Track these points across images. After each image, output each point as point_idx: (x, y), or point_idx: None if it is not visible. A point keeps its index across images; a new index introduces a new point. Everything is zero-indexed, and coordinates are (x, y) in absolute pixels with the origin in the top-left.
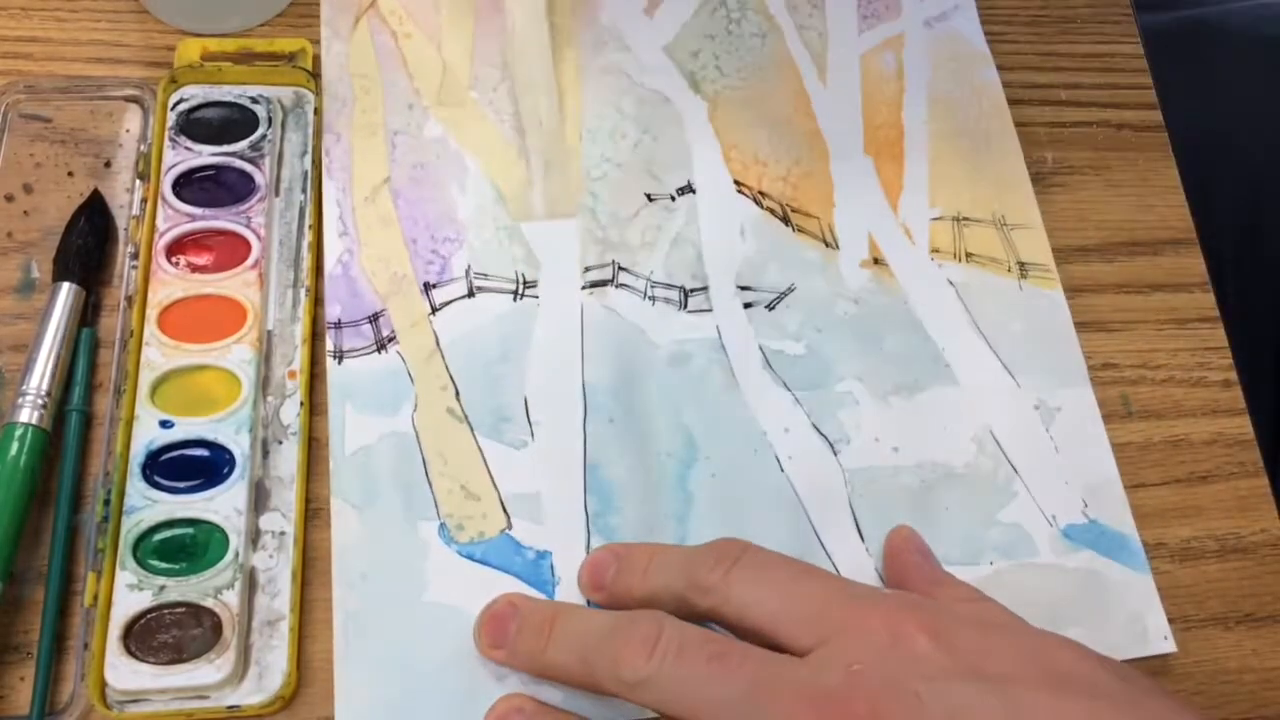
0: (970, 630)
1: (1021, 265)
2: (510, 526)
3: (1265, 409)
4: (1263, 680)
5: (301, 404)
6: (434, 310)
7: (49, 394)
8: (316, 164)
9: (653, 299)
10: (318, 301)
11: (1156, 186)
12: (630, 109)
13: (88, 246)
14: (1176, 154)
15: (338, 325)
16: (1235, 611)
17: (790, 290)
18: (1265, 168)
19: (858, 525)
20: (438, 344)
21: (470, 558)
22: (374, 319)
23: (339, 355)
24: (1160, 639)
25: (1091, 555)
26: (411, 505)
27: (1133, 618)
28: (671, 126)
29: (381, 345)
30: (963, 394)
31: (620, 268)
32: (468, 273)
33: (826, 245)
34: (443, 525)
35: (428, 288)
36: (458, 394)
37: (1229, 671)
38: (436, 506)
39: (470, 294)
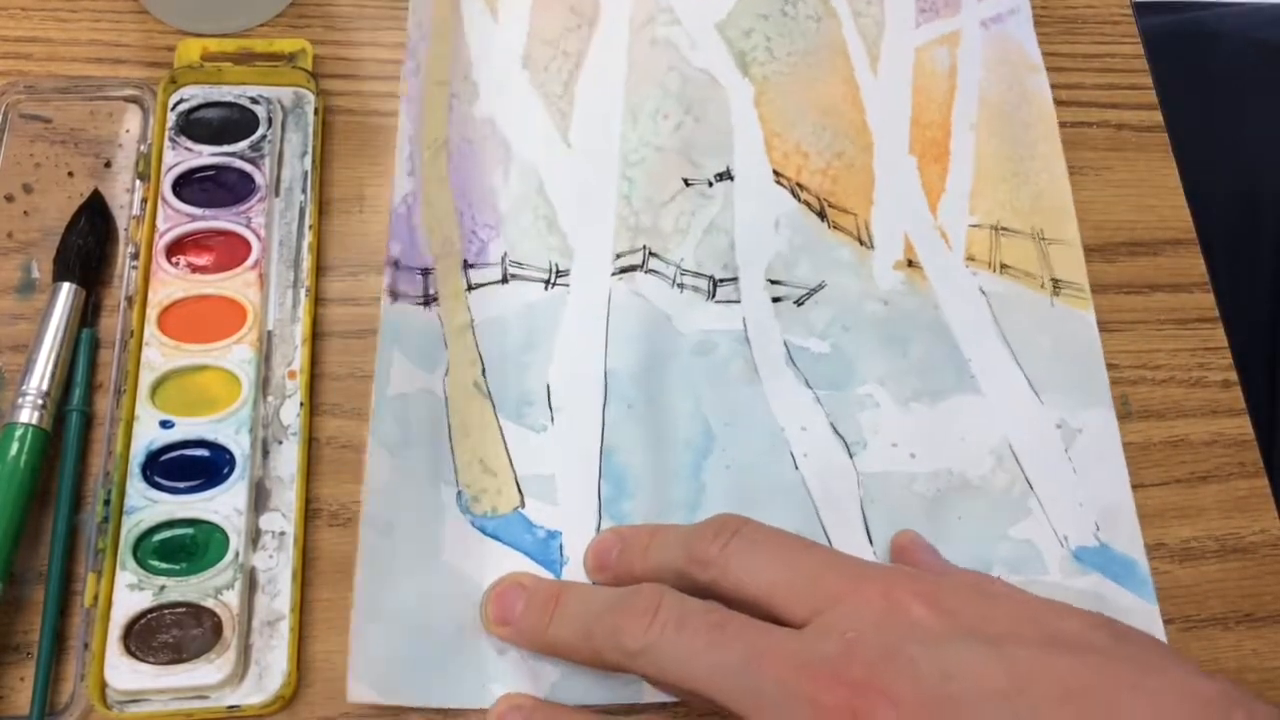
0: (968, 596)
1: (1055, 282)
2: (523, 505)
3: (1262, 408)
4: (1263, 680)
5: (301, 404)
6: (470, 288)
7: (49, 394)
8: (316, 165)
9: (681, 286)
10: (318, 301)
11: (1156, 186)
12: (675, 87)
13: (88, 246)
14: (1176, 154)
15: (396, 265)
16: (1235, 611)
17: (820, 287)
18: (1262, 168)
19: (867, 528)
20: (471, 320)
21: (482, 530)
22: (425, 273)
23: (395, 295)
24: None
25: (1099, 579)
26: (437, 465)
27: None
28: (715, 109)
29: (428, 301)
30: (985, 405)
31: (651, 253)
32: (504, 260)
33: (861, 244)
34: (460, 493)
35: (466, 265)
36: (484, 370)
37: (1229, 671)
38: (456, 473)
39: (504, 280)
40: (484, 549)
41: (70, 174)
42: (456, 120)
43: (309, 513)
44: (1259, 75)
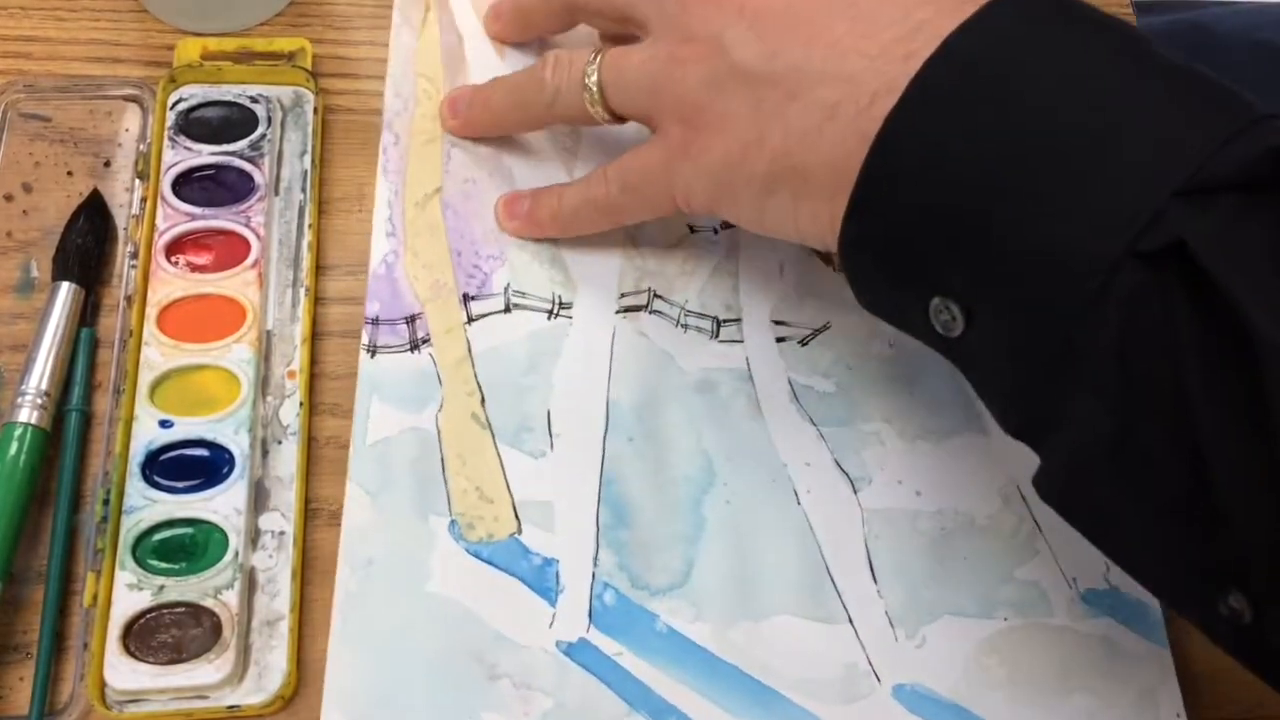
0: None
1: None
2: (520, 531)
3: None
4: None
5: (301, 404)
6: (470, 320)
7: (48, 394)
8: (316, 164)
9: (685, 326)
10: (318, 301)
11: None
12: None
13: (87, 246)
14: None
15: (375, 322)
16: None
17: (825, 328)
18: None
19: (871, 565)
20: (469, 352)
21: (477, 556)
22: (410, 320)
23: (373, 350)
24: (1172, 716)
25: (1109, 622)
26: (425, 498)
27: (1145, 691)
28: None
29: (415, 346)
30: (993, 445)
31: (655, 294)
32: (506, 289)
33: None
34: (453, 522)
35: (466, 299)
36: (483, 400)
37: (1229, 671)
38: (450, 503)
39: (507, 309)
40: (478, 575)
41: (70, 173)
42: (456, 167)
43: (308, 512)
44: (1258, 76)
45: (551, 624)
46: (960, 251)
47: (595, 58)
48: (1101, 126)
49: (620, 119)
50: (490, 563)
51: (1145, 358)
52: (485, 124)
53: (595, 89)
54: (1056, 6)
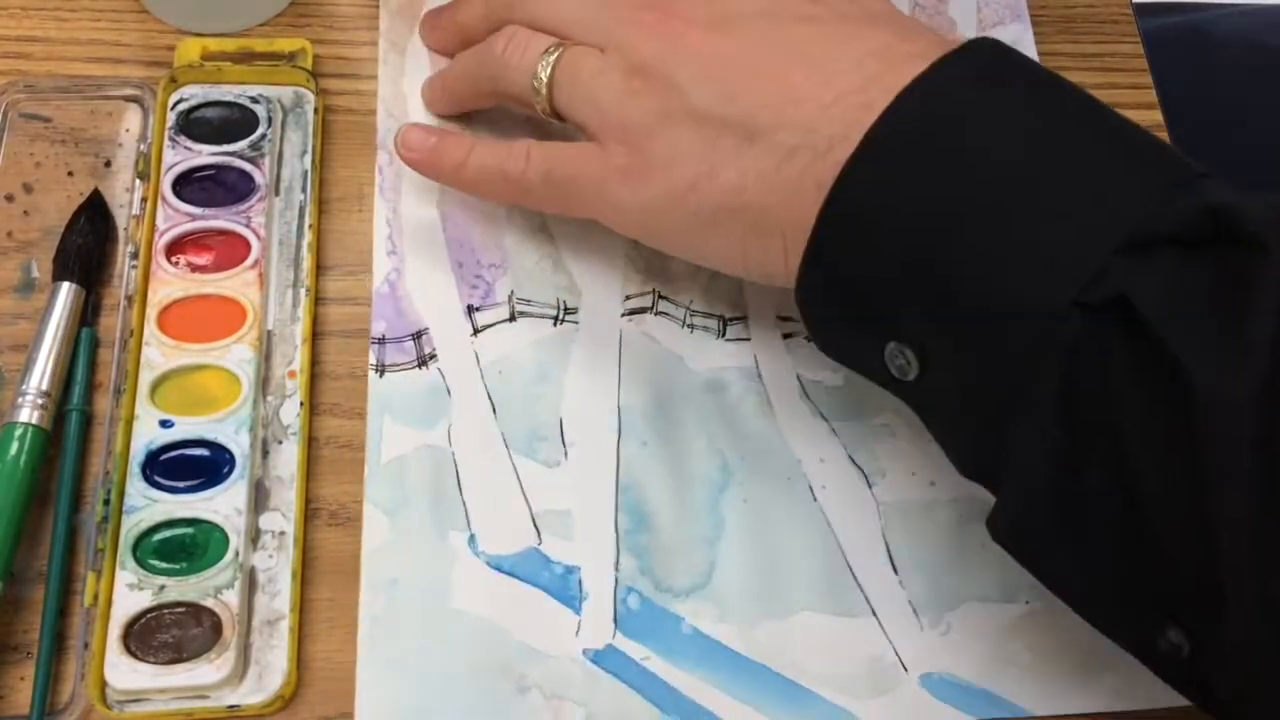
0: None
1: None
2: (540, 542)
3: None
4: None
5: (301, 404)
6: (476, 331)
7: (49, 394)
8: (316, 164)
9: (691, 327)
10: (318, 300)
11: None
12: None
13: (88, 246)
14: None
15: (381, 341)
16: None
17: None
18: (1262, 169)
19: (890, 557)
20: (478, 363)
21: (498, 569)
22: (416, 336)
23: (380, 369)
24: None
25: None
26: (443, 515)
27: None
28: None
29: (423, 361)
30: None
31: (660, 295)
32: (510, 297)
33: None
34: (473, 536)
35: (471, 310)
36: (494, 412)
37: None
38: (468, 518)
39: (512, 318)
40: (500, 587)
41: (70, 173)
42: None
43: (309, 512)
44: (1258, 77)
45: (578, 632)
46: (914, 300)
47: (554, 52)
48: (1049, 183)
49: (560, 119)
50: (512, 574)
51: (1087, 405)
52: (439, 97)
53: (544, 84)
54: (1006, 65)
